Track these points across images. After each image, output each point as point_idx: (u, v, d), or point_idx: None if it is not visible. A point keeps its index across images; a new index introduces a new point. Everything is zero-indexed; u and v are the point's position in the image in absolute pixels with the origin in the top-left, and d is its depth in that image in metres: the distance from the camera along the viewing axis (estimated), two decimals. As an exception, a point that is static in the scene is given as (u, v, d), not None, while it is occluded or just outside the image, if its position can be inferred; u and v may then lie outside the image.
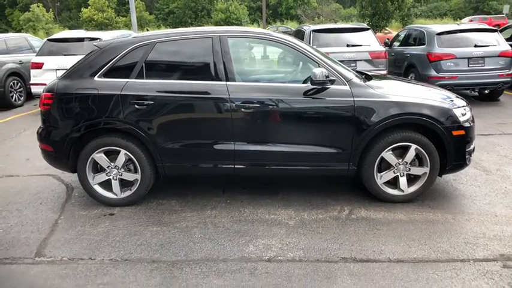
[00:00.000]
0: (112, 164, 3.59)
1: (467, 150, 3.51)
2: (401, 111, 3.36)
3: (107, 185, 3.68)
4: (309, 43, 7.04)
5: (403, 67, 8.40)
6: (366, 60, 7.30)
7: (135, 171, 3.62)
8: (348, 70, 3.67)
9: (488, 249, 2.86)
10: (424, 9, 45.58)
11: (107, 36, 8.06)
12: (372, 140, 3.41)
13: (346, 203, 3.64)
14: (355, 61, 7.10)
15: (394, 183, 3.58)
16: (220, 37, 3.50)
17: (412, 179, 3.58)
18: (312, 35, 7.53)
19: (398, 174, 3.53)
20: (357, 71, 4.09)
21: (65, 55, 7.76)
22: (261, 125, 3.46)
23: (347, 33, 7.75)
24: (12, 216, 3.62)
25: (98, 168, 3.68)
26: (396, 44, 9.54)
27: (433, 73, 7.39)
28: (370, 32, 7.90)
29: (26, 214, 3.64)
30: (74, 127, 3.51)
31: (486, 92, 8.04)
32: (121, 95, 3.43)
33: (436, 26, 8.46)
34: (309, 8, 44.47)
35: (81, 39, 8.10)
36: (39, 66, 7.91)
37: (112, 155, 3.60)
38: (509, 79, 7.38)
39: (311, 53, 3.55)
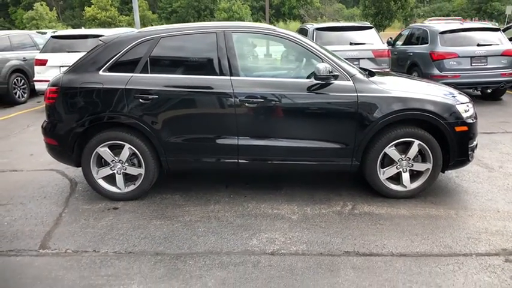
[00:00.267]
0: (116, 158, 3.61)
1: (470, 146, 3.52)
2: (405, 106, 3.37)
3: (110, 179, 3.70)
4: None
5: (406, 66, 8.41)
6: (369, 59, 7.30)
7: (139, 166, 3.64)
8: (352, 66, 3.68)
9: (491, 244, 2.87)
10: (427, 10, 45.55)
11: (110, 33, 8.08)
12: (375, 135, 3.42)
13: (349, 198, 3.65)
14: (358, 59, 7.10)
15: (396, 178, 3.59)
16: (225, 32, 3.52)
17: (414, 175, 3.59)
18: (315, 33, 7.54)
19: (401, 170, 3.54)
20: (360, 68, 4.10)
21: (68, 52, 7.79)
22: (264, 120, 3.48)
23: (350, 32, 7.76)
24: (16, 209, 3.64)
25: (102, 163, 3.70)
26: (399, 43, 9.55)
27: (436, 72, 7.40)
28: (373, 30, 7.91)
29: (30, 208, 3.67)
30: (78, 121, 3.53)
31: (488, 91, 8.03)
32: (126, 89, 3.45)
33: (439, 25, 8.46)
34: (311, 7, 44.49)
35: (85, 36, 8.13)
36: (43, 63, 7.94)
37: (116, 149, 3.62)
38: (511, 78, 7.37)
39: (315, 48, 3.56)
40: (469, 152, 3.54)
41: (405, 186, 3.56)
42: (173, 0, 51.03)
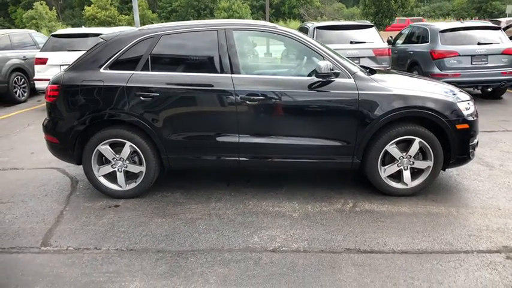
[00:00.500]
0: (117, 156, 3.61)
1: (470, 144, 3.52)
2: (406, 104, 3.38)
3: (111, 177, 3.71)
4: (313, 40, 7.04)
5: (406, 65, 8.41)
6: (369, 57, 7.30)
7: (140, 164, 3.64)
8: (353, 63, 3.68)
9: (492, 241, 2.88)
10: (427, 9, 45.55)
11: (110, 32, 8.08)
12: (376, 133, 3.42)
13: (350, 196, 3.65)
14: (358, 58, 7.10)
15: (397, 176, 3.60)
16: (226, 30, 3.52)
17: (415, 173, 3.59)
18: (315, 31, 7.54)
19: (402, 167, 3.54)
20: (361, 66, 4.10)
21: (69, 51, 7.78)
22: (265, 118, 3.48)
23: (351, 30, 7.76)
24: (17, 207, 3.64)
25: (103, 160, 3.70)
26: (399, 41, 9.54)
27: (436, 70, 7.39)
28: (373, 29, 7.90)
29: (31, 205, 3.67)
30: (79, 119, 3.53)
31: (489, 90, 8.03)
32: (126, 86, 3.45)
33: (440, 24, 8.46)
34: (311, 7, 44.49)
35: (85, 35, 8.12)
36: (43, 61, 7.94)
37: (117, 147, 3.62)
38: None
39: (316, 46, 3.57)
40: (470, 150, 3.54)
41: (406, 184, 3.57)
42: (173, -1, 51.04)
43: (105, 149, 3.59)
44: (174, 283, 2.51)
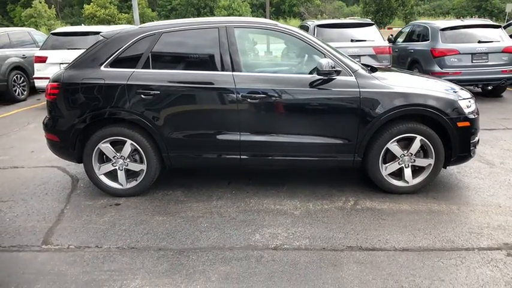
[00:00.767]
0: (118, 154, 3.61)
1: (471, 142, 3.52)
2: (407, 102, 3.37)
3: (112, 175, 3.70)
4: (313, 38, 7.02)
5: (407, 63, 8.40)
6: (370, 56, 7.29)
7: (141, 162, 3.64)
8: (354, 61, 3.68)
9: (493, 239, 2.88)
10: (427, 8, 45.51)
11: (110, 30, 8.07)
12: (377, 131, 3.42)
13: (351, 194, 3.65)
14: (359, 56, 7.09)
15: (398, 174, 3.60)
16: (227, 27, 3.51)
17: (416, 170, 3.59)
18: (316, 30, 7.53)
19: (403, 165, 3.54)
20: (362, 64, 4.10)
21: (68, 49, 7.77)
22: (266, 116, 3.47)
23: (351, 29, 7.74)
24: (18, 206, 3.64)
25: (103, 159, 3.70)
26: (400, 40, 9.54)
27: (437, 69, 7.39)
28: (374, 27, 7.89)
29: (31, 204, 3.66)
30: (80, 117, 3.52)
31: (489, 88, 8.03)
32: (127, 84, 3.44)
33: (440, 22, 8.45)
34: (311, 5, 44.43)
35: (85, 33, 8.11)
36: (42, 60, 7.93)
37: (118, 145, 3.62)
38: (512, 75, 7.38)
39: (317, 43, 3.56)
40: (471, 148, 3.54)
41: (407, 182, 3.57)
42: (172, -2, 50.95)
43: (105, 147, 3.59)
44: (175, 281, 2.51)
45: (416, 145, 3.46)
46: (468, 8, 44.33)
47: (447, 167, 3.74)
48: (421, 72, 7.66)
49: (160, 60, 3.57)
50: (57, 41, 8.10)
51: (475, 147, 3.61)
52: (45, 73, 7.63)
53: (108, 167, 3.66)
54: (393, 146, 3.48)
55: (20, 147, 5.48)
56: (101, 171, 3.67)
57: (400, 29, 10.71)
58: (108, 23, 39.88)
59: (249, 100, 3.40)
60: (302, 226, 3.12)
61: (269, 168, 4.32)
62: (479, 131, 3.67)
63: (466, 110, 3.46)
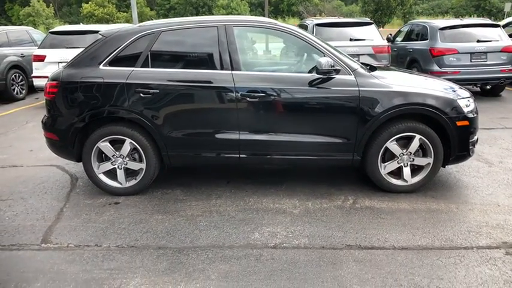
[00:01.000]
0: (117, 153, 3.61)
1: (470, 141, 3.53)
2: (406, 101, 3.38)
3: (111, 174, 3.70)
4: (312, 37, 7.02)
5: (406, 62, 8.41)
6: (369, 55, 7.30)
7: (140, 161, 3.63)
8: (353, 60, 3.68)
9: (491, 237, 2.89)
10: (425, 7, 45.53)
11: (109, 29, 8.05)
12: (376, 130, 3.42)
13: (350, 193, 3.66)
14: (358, 55, 7.09)
15: (397, 173, 3.60)
16: (226, 26, 3.51)
17: (415, 169, 3.60)
18: (315, 29, 7.53)
19: (402, 164, 3.55)
20: (362, 63, 4.10)
21: (67, 48, 7.76)
22: (266, 115, 3.48)
23: (350, 28, 7.75)
24: (17, 204, 3.64)
25: (102, 157, 3.70)
26: (399, 39, 9.54)
27: (436, 68, 7.40)
28: (373, 26, 7.90)
29: (31, 203, 3.66)
30: (79, 116, 3.52)
31: (488, 87, 8.03)
32: (126, 83, 3.44)
33: (439, 21, 8.46)
34: (310, 4, 44.40)
35: (83, 32, 8.09)
36: (41, 59, 7.91)
37: (117, 144, 3.61)
38: (511, 74, 7.39)
39: (316, 42, 3.56)
40: (470, 147, 3.54)
41: (406, 181, 3.57)
42: (171, -4, 50.83)
43: (105, 146, 3.58)
44: (175, 279, 2.51)
45: (415, 144, 3.47)
46: (467, 8, 44.34)
47: (446, 166, 3.75)
48: (420, 72, 7.68)
49: (160, 59, 3.57)
50: (56, 40, 8.08)
51: (474, 147, 3.62)
52: (44, 72, 7.62)
53: (108, 166, 3.66)
54: (392, 145, 3.48)
55: (18, 146, 5.47)
56: (100, 170, 3.66)
57: (393, 29, 10.69)
58: (107, 21, 39.78)
59: (248, 99, 3.40)
60: (301, 225, 3.13)
61: (268, 167, 4.32)
62: (478, 130, 3.68)
63: (465, 109, 3.47)
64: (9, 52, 8.90)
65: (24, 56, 9.11)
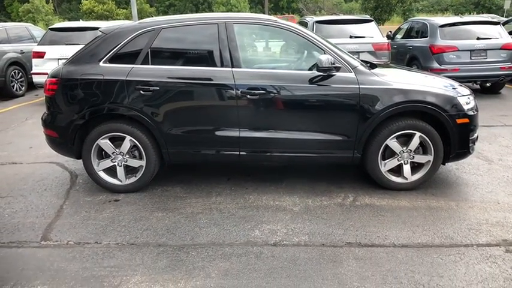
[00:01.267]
0: (117, 150, 3.60)
1: (470, 138, 3.53)
2: (406, 98, 3.37)
3: (111, 171, 3.70)
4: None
5: (406, 59, 8.40)
6: (368, 52, 7.29)
7: (140, 158, 3.63)
8: (353, 58, 3.67)
9: (491, 235, 2.89)
10: (425, 4, 45.41)
11: (109, 25, 8.02)
12: (376, 127, 3.42)
13: (350, 190, 3.66)
14: (358, 52, 7.08)
15: (397, 170, 3.60)
16: (226, 23, 3.50)
17: (415, 167, 3.60)
18: (315, 26, 7.52)
19: (402, 162, 3.55)
20: (362, 60, 4.09)
21: (67, 44, 7.73)
22: (266, 112, 3.47)
23: (350, 25, 7.74)
24: (16, 201, 3.63)
25: (102, 155, 3.69)
26: (398, 36, 9.53)
27: (436, 65, 7.39)
28: (373, 23, 7.88)
29: (30, 200, 3.66)
30: (78, 113, 3.51)
31: (487, 84, 8.03)
32: (126, 80, 3.43)
33: (439, 19, 8.44)
34: (310, 1, 44.25)
35: (83, 29, 8.07)
36: (41, 55, 7.89)
37: (117, 141, 3.61)
38: (510, 72, 7.38)
39: (317, 40, 3.55)
40: (470, 144, 3.54)
41: (406, 178, 3.57)
42: (171, -7, 50.67)
43: (104, 143, 3.58)
44: (175, 277, 2.51)
45: (415, 142, 3.47)
46: (466, 5, 44.24)
47: (446, 164, 3.75)
48: (419, 69, 7.67)
49: (160, 56, 3.56)
50: (55, 37, 8.05)
51: (474, 144, 3.62)
52: (43, 69, 7.60)
53: (107, 163, 3.66)
54: (392, 143, 3.48)
55: (18, 143, 5.46)
56: (100, 167, 3.66)
57: (393, 27, 10.66)
58: (106, 18, 39.63)
59: (248, 96, 3.40)
60: (301, 222, 3.13)
61: (268, 164, 4.32)
62: (478, 127, 3.68)
63: (465, 107, 3.47)
64: (8, 49, 8.87)
65: (23, 53, 9.09)
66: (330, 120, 3.47)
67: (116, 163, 3.64)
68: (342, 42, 7.04)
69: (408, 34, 8.98)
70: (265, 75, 3.49)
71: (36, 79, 7.96)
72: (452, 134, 3.44)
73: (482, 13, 31.78)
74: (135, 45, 3.51)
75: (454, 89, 3.58)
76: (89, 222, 3.21)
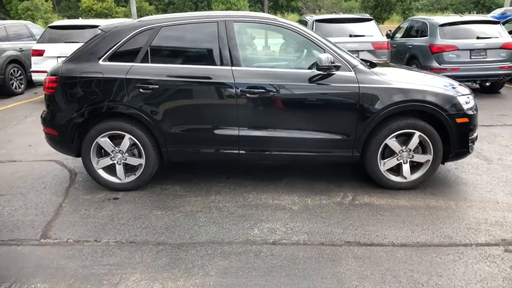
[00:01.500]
0: (116, 148, 3.60)
1: (470, 138, 3.53)
2: (406, 98, 3.37)
3: (110, 169, 3.69)
4: (312, 33, 7.00)
5: (405, 59, 8.39)
6: (368, 51, 7.28)
7: (140, 156, 3.63)
8: (353, 57, 3.67)
9: (490, 235, 2.90)
10: (425, 3, 45.35)
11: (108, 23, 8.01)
12: (376, 126, 3.42)
13: (350, 190, 3.66)
14: (357, 51, 7.07)
15: (397, 170, 3.60)
16: (226, 22, 3.49)
17: (415, 166, 3.60)
18: (314, 24, 7.51)
19: (401, 161, 3.55)
20: (361, 59, 4.09)
21: (66, 42, 7.72)
22: (265, 111, 3.47)
23: (350, 24, 7.73)
24: (16, 199, 3.63)
25: (102, 153, 3.69)
26: (398, 35, 9.52)
27: (435, 65, 7.39)
28: (373, 22, 7.88)
29: (30, 198, 3.65)
30: (78, 111, 3.51)
31: (487, 84, 8.02)
32: (126, 79, 3.43)
33: (439, 18, 8.44)
34: (309, 0, 44.16)
35: (82, 27, 8.05)
36: (40, 53, 7.87)
37: (116, 140, 3.60)
38: (510, 71, 7.38)
39: (317, 38, 3.55)
40: (470, 144, 3.55)
41: (405, 178, 3.58)
42: (170, -9, 50.57)
43: (104, 141, 3.57)
44: (174, 275, 2.51)
45: (414, 141, 3.47)
46: (466, 4, 44.21)
47: (445, 163, 3.75)
48: (419, 68, 7.66)
49: (159, 54, 3.55)
50: (55, 35, 8.03)
51: (474, 144, 3.62)
52: (43, 66, 7.59)
53: (107, 161, 3.65)
54: (392, 142, 3.48)
55: (17, 141, 5.45)
56: (99, 165, 3.66)
57: (393, 26, 10.66)
58: (106, 16, 39.54)
59: (248, 95, 3.39)
60: (300, 221, 3.13)
61: (267, 163, 4.32)
62: (478, 127, 3.68)
63: (465, 106, 3.47)
64: (7, 46, 8.85)
65: (22, 51, 9.06)
66: (330, 119, 3.47)
67: (115, 161, 3.64)
68: (342, 41, 7.03)
69: (408, 33, 8.98)
70: (264, 74, 3.49)
71: (35, 77, 7.95)
72: (452, 134, 3.44)
73: (482, 13, 31.77)
74: (135, 43, 3.50)
75: (454, 88, 3.59)
76: (88, 220, 3.21)
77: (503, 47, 7.36)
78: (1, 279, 2.52)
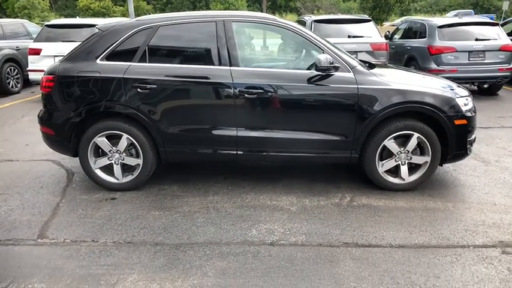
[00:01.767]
0: (114, 148, 3.58)
1: (468, 139, 3.54)
2: (404, 99, 3.37)
3: (108, 169, 3.68)
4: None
5: (404, 60, 8.41)
6: (367, 52, 7.29)
7: (137, 156, 3.61)
8: (352, 58, 3.66)
9: (488, 236, 2.90)
10: (423, 4, 45.53)
11: (106, 23, 7.98)
12: (374, 128, 3.42)
13: (348, 191, 3.66)
14: (356, 52, 7.09)
15: (395, 171, 3.61)
16: (225, 21, 3.48)
17: (413, 168, 3.61)
18: (313, 25, 7.51)
19: (399, 162, 3.55)
20: (360, 60, 4.09)
21: (63, 41, 7.68)
22: (264, 111, 3.46)
23: (348, 25, 7.74)
24: (13, 199, 3.61)
25: (99, 153, 3.68)
26: (397, 36, 9.53)
27: (433, 66, 7.40)
28: (371, 23, 7.89)
29: (27, 198, 3.63)
30: (75, 110, 3.49)
31: (485, 86, 8.06)
32: (123, 78, 3.41)
33: (437, 19, 8.46)
34: (308, 0, 44.20)
35: (79, 26, 8.02)
36: (37, 52, 7.83)
37: (114, 139, 3.59)
38: (509, 73, 7.41)
39: (316, 39, 3.54)
40: (468, 146, 3.55)
41: (403, 179, 3.58)
42: (168, -10, 50.49)
43: (101, 141, 3.56)
44: (172, 276, 2.50)
45: (413, 142, 3.47)
46: (465, 6, 44.37)
47: (443, 165, 3.76)
48: (417, 70, 7.68)
49: (157, 53, 3.54)
50: (52, 33, 7.99)
51: (472, 145, 3.62)
52: (40, 65, 7.55)
53: (104, 161, 3.64)
54: (390, 143, 3.48)
55: (14, 140, 5.42)
56: (96, 165, 3.64)
57: (391, 27, 10.67)
58: (103, 15, 39.44)
59: (246, 95, 3.39)
60: (298, 222, 3.13)
61: (266, 164, 4.32)
62: (476, 129, 3.69)
63: (464, 108, 3.47)
64: (4, 45, 8.80)
65: (19, 49, 9.01)
66: (328, 120, 3.46)
67: (112, 161, 3.62)
68: (340, 41, 7.03)
69: (406, 34, 8.99)
70: (263, 74, 3.48)
71: (32, 76, 7.91)
72: (450, 135, 3.44)
73: (480, 13, 31.86)
74: (133, 42, 3.49)
75: (452, 90, 3.59)
76: (86, 221, 3.20)
77: (502, 49, 7.38)
78: (-3, 279, 2.51)
